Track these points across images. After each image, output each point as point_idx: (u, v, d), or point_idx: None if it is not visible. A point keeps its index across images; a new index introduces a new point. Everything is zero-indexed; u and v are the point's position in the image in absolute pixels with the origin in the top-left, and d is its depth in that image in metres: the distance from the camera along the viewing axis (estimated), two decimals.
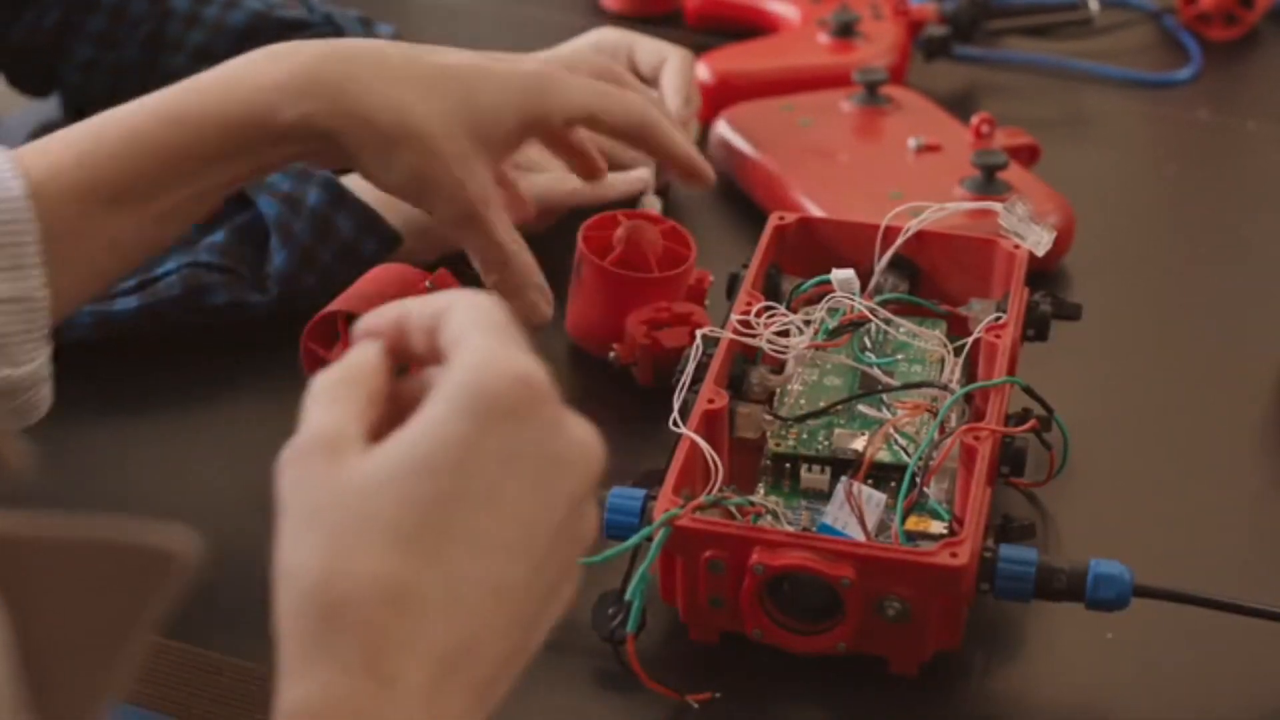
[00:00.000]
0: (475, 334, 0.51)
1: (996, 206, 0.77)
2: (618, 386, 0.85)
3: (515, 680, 0.51)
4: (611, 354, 0.83)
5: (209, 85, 0.75)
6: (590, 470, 0.52)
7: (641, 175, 0.98)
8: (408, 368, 0.55)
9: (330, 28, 1.06)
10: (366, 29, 1.07)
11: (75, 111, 1.11)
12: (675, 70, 1.03)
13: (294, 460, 0.50)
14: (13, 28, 1.07)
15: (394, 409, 0.52)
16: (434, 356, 0.53)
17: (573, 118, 0.82)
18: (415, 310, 0.54)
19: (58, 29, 1.07)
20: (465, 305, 0.52)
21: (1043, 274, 0.94)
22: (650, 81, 1.04)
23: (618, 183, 0.98)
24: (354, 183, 0.89)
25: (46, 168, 0.71)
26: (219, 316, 0.87)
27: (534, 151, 0.96)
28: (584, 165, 0.89)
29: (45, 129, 1.10)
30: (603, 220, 0.87)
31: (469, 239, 0.80)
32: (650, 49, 1.05)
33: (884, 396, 0.76)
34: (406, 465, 0.49)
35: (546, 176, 0.96)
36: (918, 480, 0.69)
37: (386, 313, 0.54)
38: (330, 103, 0.75)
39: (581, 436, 0.52)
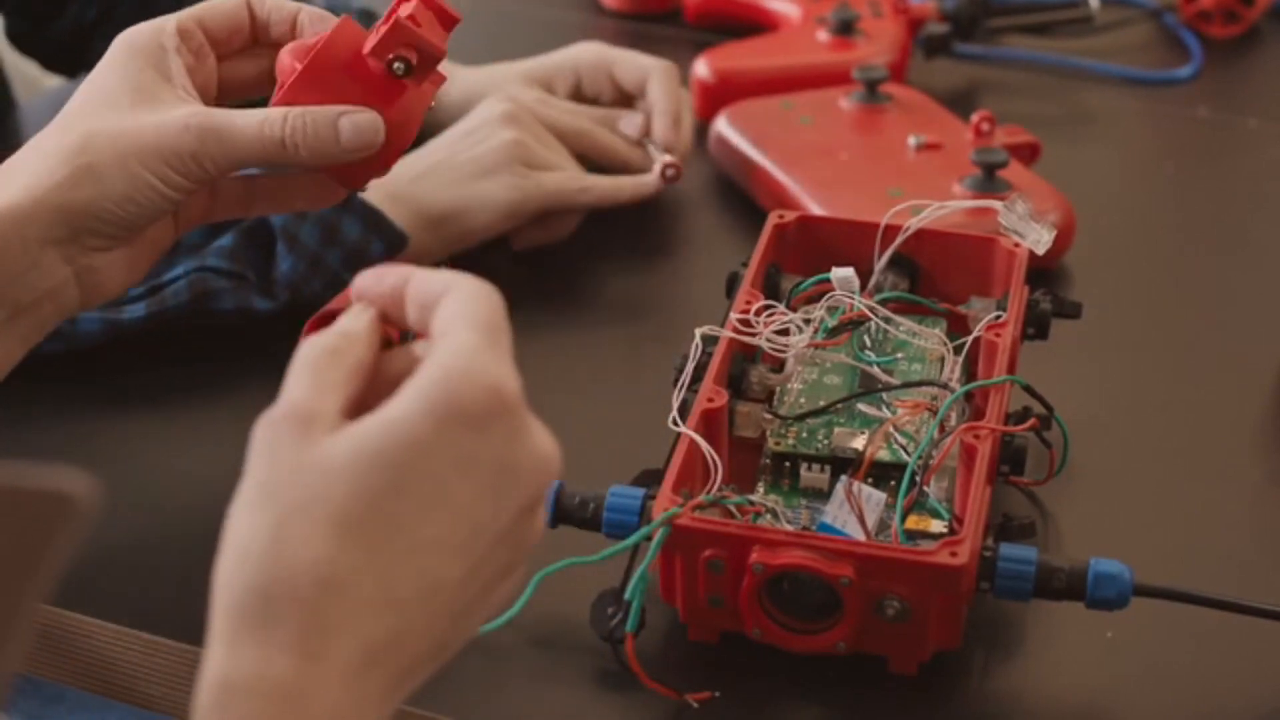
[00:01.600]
0: (462, 328, 0.52)
1: (996, 205, 0.77)
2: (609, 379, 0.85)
3: (438, 668, 0.53)
4: None
5: None
6: (543, 481, 0.53)
7: (649, 180, 0.98)
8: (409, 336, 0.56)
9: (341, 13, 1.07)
10: (368, 20, 1.07)
11: None
12: (660, 91, 1.02)
13: (266, 428, 0.51)
14: (56, 22, 1.12)
15: (380, 379, 0.54)
16: (425, 331, 0.54)
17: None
18: (415, 283, 0.55)
19: (96, 21, 1.11)
20: (462, 293, 0.53)
21: (1043, 272, 0.94)
22: (634, 96, 1.04)
23: (628, 185, 0.98)
24: None
25: None
26: (226, 321, 0.87)
27: (543, 152, 0.96)
28: None
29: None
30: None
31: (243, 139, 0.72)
32: (631, 65, 1.04)
33: (884, 395, 0.76)
34: (365, 456, 0.50)
35: (557, 176, 0.96)
36: (918, 479, 0.69)
37: (387, 278, 0.55)
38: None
39: (540, 449, 0.53)
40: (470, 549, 0.52)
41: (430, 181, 0.93)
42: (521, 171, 0.94)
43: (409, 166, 0.94)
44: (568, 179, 0.96)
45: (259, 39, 0.77)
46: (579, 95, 1.04)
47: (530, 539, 0.54)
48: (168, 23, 0.74)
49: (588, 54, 1.05)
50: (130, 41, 0.74)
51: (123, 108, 0.71)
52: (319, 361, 0.53)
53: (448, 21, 0.73)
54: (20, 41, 1.15)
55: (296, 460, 0.50)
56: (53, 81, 1.24)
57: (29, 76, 1.19)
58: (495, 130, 0.95)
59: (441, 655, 0.53)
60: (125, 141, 0.70)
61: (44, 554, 0.40)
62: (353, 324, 0.55)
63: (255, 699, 0.48)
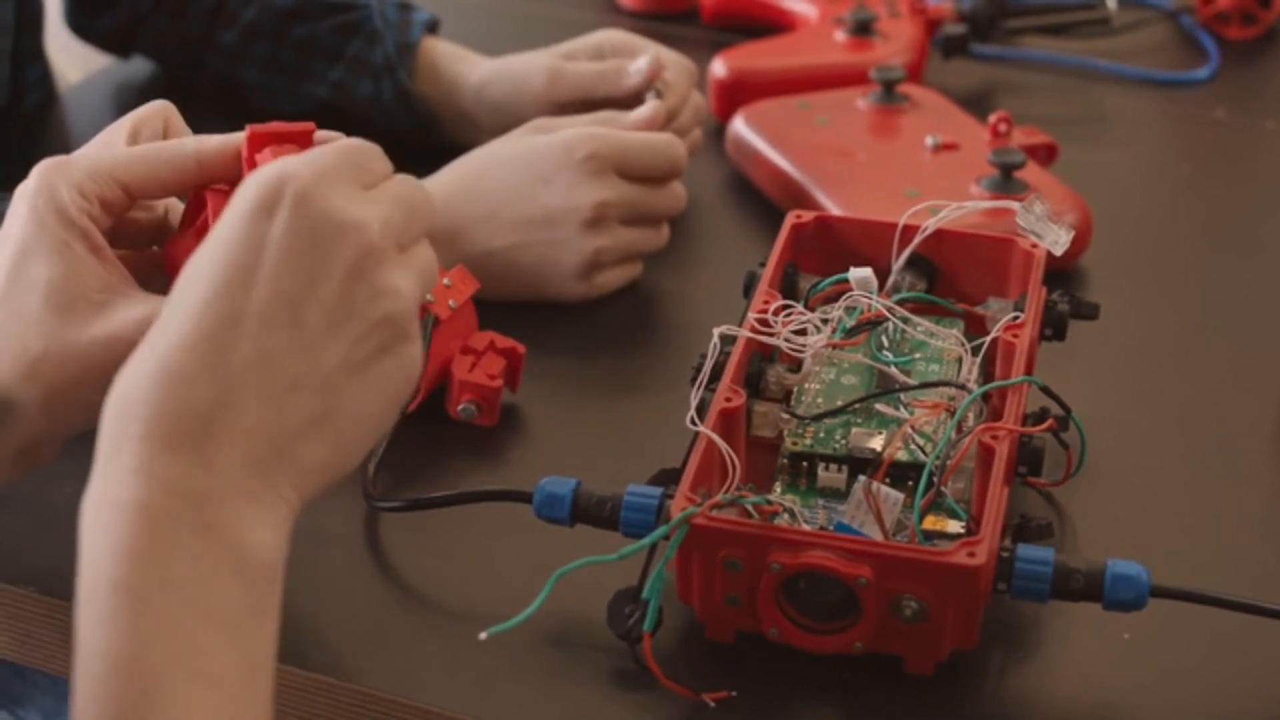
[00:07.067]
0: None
1: (1014, 205, 0.77)
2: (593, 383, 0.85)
3: (341, 462, 0.58)
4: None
5: None
6: (351, 244, 0.56)
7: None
8: None
9: (368, 11, 1.07)
10: (404, 14, 1.08)
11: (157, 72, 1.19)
12: (673, 73, 1.03)
13: None
14: (112, 12, 1.15)
15: None
16: None
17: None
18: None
19: (148, 12, 1.14)
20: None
21: (1060, 273, 0.94)
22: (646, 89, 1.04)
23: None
24: None
25: None
26: None
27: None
28: None
29: (125, 87, 1.17)
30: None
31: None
32: (651, 55, 1.04)
33: (901, 395, 0.76)
34: (191, 270, 0.56)
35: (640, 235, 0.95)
36: (935, 479, 0.69)
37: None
38: None
39: (337, 214, 0.56)
40: (295, 320, 0.55)
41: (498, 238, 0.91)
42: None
43: (464, 200, 0.91)
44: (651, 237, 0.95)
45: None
46: None
47: (369, 309, 0.57)
48: (80, 178, 0.66)
49: (614, 36, 1.06)
50: (47, 205, 0.65)
51: (62, 312, 0.64)
52: None
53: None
54: (79, 28, 1.18)
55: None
56: (73, 76, 1.25)
57: (57, 69, 1.20)
58: (581, 234, 0.92)
59: (324, 430, 0.56)
60: (74, 367, 0.64)
61: None
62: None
63: (116, 509, 0.53)
